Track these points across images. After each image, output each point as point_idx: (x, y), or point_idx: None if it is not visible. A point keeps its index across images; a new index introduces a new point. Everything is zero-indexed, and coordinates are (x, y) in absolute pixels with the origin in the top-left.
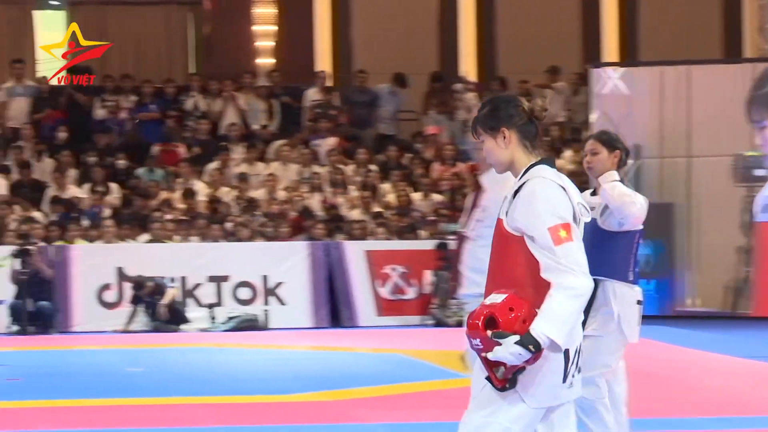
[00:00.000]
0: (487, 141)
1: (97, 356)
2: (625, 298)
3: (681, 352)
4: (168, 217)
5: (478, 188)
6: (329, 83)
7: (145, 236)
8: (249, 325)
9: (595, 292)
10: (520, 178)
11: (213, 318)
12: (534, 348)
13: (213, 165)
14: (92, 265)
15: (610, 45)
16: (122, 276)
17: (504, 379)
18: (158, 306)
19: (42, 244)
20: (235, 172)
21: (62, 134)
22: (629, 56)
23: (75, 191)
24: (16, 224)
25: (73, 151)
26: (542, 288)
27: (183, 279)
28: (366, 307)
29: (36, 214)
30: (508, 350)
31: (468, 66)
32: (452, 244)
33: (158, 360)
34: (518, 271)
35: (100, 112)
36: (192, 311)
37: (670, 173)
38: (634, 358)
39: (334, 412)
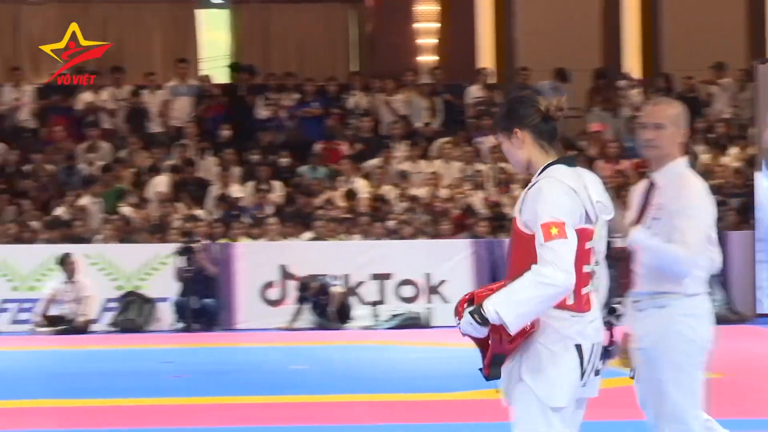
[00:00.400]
0: (503, 142)
1: (261, 354)
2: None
3: None
4: (331, 214)
5: (650, 185)
6: (491, 80)
7: (308, 234)
8: (412, 323)
9: None
10: (535, 177)
11: (376, 316)
12: (480, 319)
13: (375, 163)
14: (256, 262)
15: None
16: (285, 274)
17: (487, 366)
18: (326, 307)
19: (206, 241)
20: (398, 170)
21: (225, 132)
22: None
23: (238, 189)
24: (179, 222)
25: (236, 149)
26: None
27: (346, 277)
28: None
29: (199, 212)
30: (465, 319)
31: (632, 62)
32: (618, 241)
33: (322, 357)
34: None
35: (262, 111)
36: (355, 309)
37: None
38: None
39: (498, 410)
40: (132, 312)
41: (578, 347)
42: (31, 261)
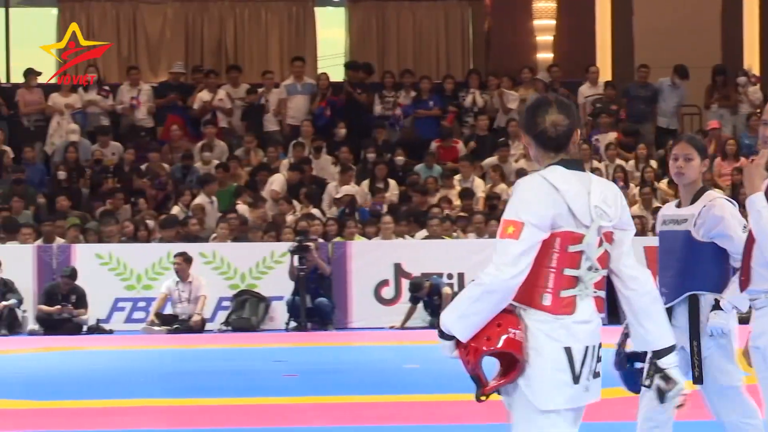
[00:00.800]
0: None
1: (374, 353)
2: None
3: None
4: (445, 213)
5: None
6: (606, 78)
7: (422, 233)
8: None
9: (698, 306)
10: None
11: None
12: (439, 334)
13: (491, 161)
14: (369, 261)
15: None
16: (399, 272)
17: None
18: (439, 307)
19: (320, 240)
20: (514, 168)
21: (341, 131)
22: None
23: (354, 188)
24: (294, 221)
25: (352, 147)
26: (535, 287)
27: (460, 276)
28: None
29: (314, 211)
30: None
31: (752, 59)
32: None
33: (434, 356)
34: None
35: (378, 108)
36: None
37: None
38: None
39: (612, 410)
40: (246, 311)
41: (567, 350)
42: (145, 260)
